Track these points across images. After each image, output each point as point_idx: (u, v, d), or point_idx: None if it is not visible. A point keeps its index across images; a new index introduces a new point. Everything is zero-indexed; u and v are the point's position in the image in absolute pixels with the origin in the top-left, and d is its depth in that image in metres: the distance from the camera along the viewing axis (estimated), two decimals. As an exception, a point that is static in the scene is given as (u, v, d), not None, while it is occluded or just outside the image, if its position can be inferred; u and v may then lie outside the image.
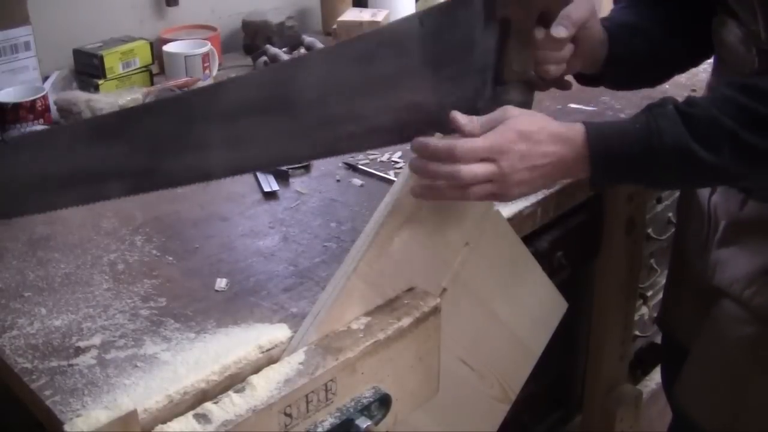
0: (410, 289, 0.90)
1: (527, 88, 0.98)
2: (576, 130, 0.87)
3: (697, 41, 1.06)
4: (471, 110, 0.90)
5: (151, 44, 1.52)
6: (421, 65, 0.89)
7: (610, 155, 0.87)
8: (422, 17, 0.88)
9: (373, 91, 0.87)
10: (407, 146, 1.28)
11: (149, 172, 0.78)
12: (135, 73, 1.49)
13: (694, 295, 1.18)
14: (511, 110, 0.87)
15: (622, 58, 1.03)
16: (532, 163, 0.85)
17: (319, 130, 0.86)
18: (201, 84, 1.49)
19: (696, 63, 1.13)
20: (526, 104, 0.99)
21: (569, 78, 1.04)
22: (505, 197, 0.89)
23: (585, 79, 1.06)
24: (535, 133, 0.85)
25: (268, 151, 0.84)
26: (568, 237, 1.28)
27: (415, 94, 0.90)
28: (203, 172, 0.81)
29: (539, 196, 1.10)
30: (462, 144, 0.83)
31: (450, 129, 0.89)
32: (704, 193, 1.13)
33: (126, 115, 0.76)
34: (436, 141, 0.85)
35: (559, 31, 0.93)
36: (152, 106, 0.77)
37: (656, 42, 1.05)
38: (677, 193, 1.64)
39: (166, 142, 0.76)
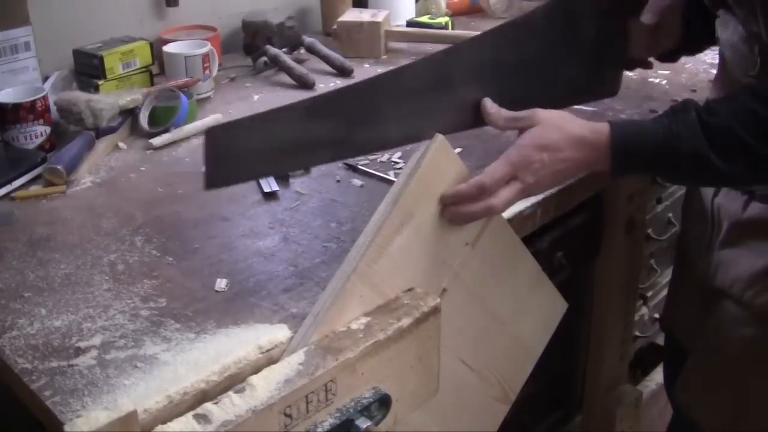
0: (410, 289, 0.90)
1: (619, 68, 1.15)
2: (601, 133, 0.92)
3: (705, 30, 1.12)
4: (573, 88, 1.10)
5: (151, 45, 1.52)
6: (552, 47, 1.04)
7: (630, 155, 0.93)
8: (544, 8, 1.03)
9: (510, 72, 1.01)
10: (408, 146, 1.29)
11: (345, 142, 0.92)
12: (135, 74, 1.49)
13: (695, 296, 1.18)
14: (537, 116, 0.93)
15: (697, 28, 1.11)
16: (554, 169, 0.92)
17: (473, 105, 0.98)
18: (201, 84, 1.50)
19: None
20: (617, 82, 1.17)
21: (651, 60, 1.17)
22: (531, 196, 1.00)
23: (663, 56, 1.17)
24: (556, 141, 0.91)
25: (432, 122, 0.95)
26: (568, 237, 1.28)
27: (545, 74, 1.04)
28: (382, 141, 0.96)
29: (539, 197, 1.10)
30: (489, 177, 0.90)
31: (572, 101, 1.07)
32: (707, 194, 1.14)
33: (332, 97, 0.91)
34: (464, 185, 0.91)
35: (648, 18, 1.07)
36: (349, 89, 0.92)
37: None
38: (677, 194, 1.64)
39: (358, 115, 0.91)
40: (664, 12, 1.08)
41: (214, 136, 0.86)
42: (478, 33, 1.02)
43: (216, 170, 0.87)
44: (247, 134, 0.87)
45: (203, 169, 0.87)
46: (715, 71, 1.15)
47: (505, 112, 0.96)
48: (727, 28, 1.02)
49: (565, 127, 0.92)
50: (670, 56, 1.17)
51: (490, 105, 0.97)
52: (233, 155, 0.87)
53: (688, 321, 1.22)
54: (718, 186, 1.11)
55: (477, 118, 0.99)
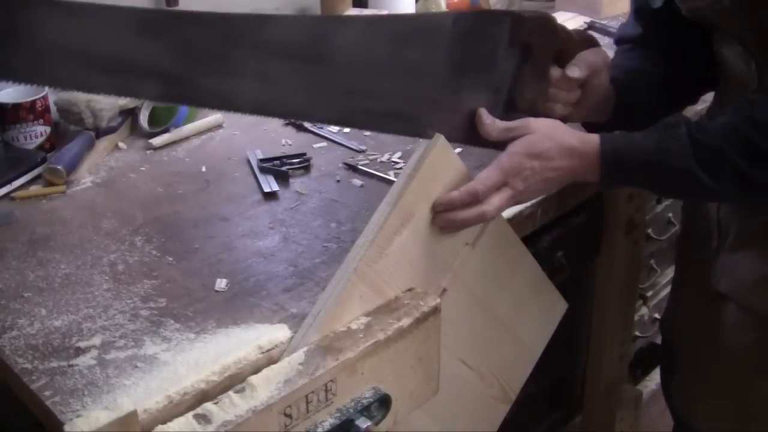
0: (410, 289, 0.90)
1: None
2: (591, 144, 0.93)
3: (703, 73, 1.09)
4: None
5: (151, 44, 1.52)
6: (447, 64, 0.92)
7: (619, 168, 0.93)
8: (456, 18, 0.91)
9: (399, 74, 0.90)
10: (407, 146, 1.28)
11: (183, 82, 0.78)
12: (135, 74, 1.49)
13: (697, 300, 1.18)
14: (530, 125, 0.93)
15: (630, 105, 1.07)
16: (544, 177, 0.92)
17: (343, 95, 0.87)
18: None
19: (704, 93, 1.15)
20: None
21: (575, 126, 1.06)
22: (521, 203, 1.00)
23: (594, 128, 1.06)
24: (547, 150, 0.92)
25: (294, 99, 0.85)
26: (568, 237, 1.28)
27: (435, 90, 0.93)
28: (230, 100, 0.81)
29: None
30: (482, 183, 0.90)
31: (456, 137, 0.95)
32: (712, 206, 1.13)
33: (174, 16, 0.77)
34: (456, 192, 0.91)
35: (573, 71, 1.00)
36: (200, 15, 0.76)
37: (662, 83, 1.08)
38: (677, 193, 1.64)
39: (204, 55, 0.77)
40: (596, 70, 1.01)
41: (6, 5, 0.68)
42: (378, 15, 0.92)
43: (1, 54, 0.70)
44: (63, 20, 0.70)
45: None
46: None
47: (499, 123, 0.95)
48: (723, 44, 1.02)
49: (556, 137, 0.93)
50: (601, 128, 1.02)
51: (485, 115, 0.96)
52: (33, 41, 0.69)
53: (688, 324, 1.22)
54: (703, 201, 1.12)
55: (352, 117, 0.90)
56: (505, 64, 0.96)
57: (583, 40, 1.04)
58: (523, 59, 0.97)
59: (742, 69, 0.99)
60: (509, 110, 0.98)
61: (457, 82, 0.94)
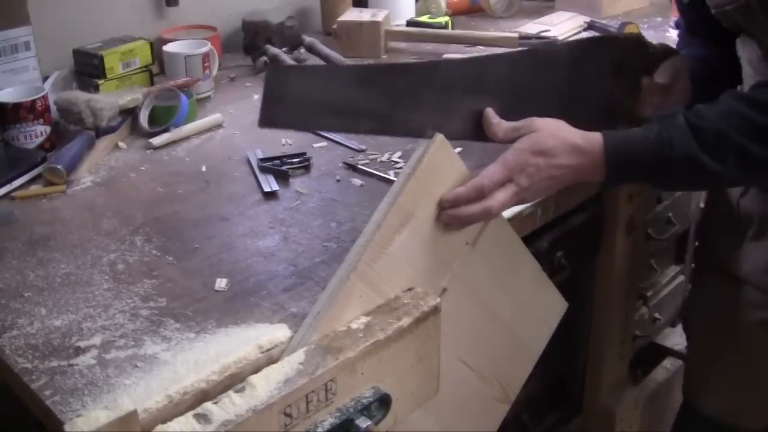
0: (410, 289, 0.90)
1: (632, 125, 1.11)
2: (594, 142, 0.94)
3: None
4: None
5: (151, 44, 1.52)
6: (566, 83, 1.07)
7: (624, 164, 0.94)
8: (571, 45, 1.10)
9: (534, 96, 1.04)
10: (407, 146, 1.29)
11: (387, 118, 0.95)
12: (135, 73, 1.49)
13: (713, 285, 1.21)
14: (535, 123, 0.95)
15: (706, 91, 1.11)
16: (549, 174, 0.93)
17: (501, 115, 0.99)
18: (201, 84, 1.50)
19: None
20: None
21: None
22: (526, 202, 1.00)
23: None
24: (551, 148, 0.93)
25: (461, 123, 0.99)
26: (568, 237, 1.28)
27: (560, 106, 1.03)
28: (418, 128, 0.95)
29: (539, 196, 1.11)
30: (487, 179, 0.92)
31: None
32: (734, 193, 1.15)
33: (383, 69, 0.97)
34: (462, 188, 0.92)
35: (661, 77, 1.11)
36: (399, 66, 0.97)
37: (725, 62, 1.13)
38: (677, 194, 1.64)
39: (402, 96, 0.95)
40: (678, 74, 1.11)
41: (275, 75, 0.91)
42: (519, 51, 1.13)
43: (271, 110, 0.91)
44: (306, 82, 0.91)
45: (260, 107, 0.91)
46: None
47: (505, 124, 0.97)
48: (746, 48, 1.05)
49: (560, 134, 0.94)
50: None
51: (492, 115, 0.98)
52: (289, 99, 0.90)
53: (703, 308, 1.25)
54: (710, 188, 1.13)
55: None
56: (607, 80, 1.10)
57: (664, 51, 1.15)
58: (619, 74, 1.11)
59: (764, 70, 1.01)
60: (610, 118, 1.09)
61: (574, 98, 1.06)
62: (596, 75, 1.10)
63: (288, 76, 0.91)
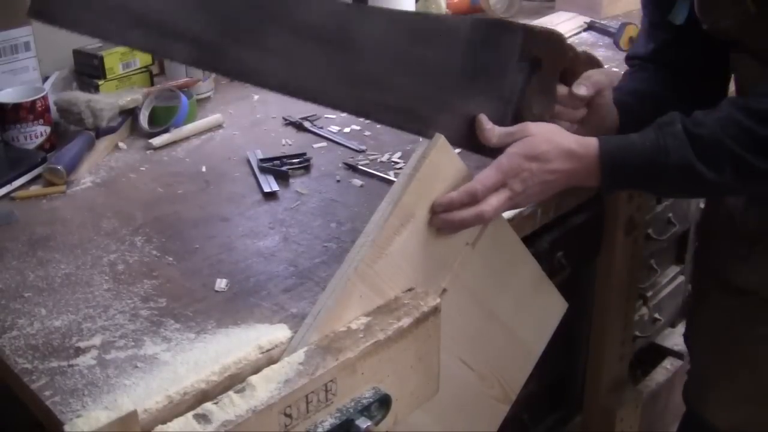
0: (410, 289, 0.90)
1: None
2: (589, 147, 0.93)
3: (711, 91, 1.09)
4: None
5: (151, 44, 1.52)
6: (460, 67, 0.94)
7: (619, 170, 0.93)
8: (473, 23, 0.94)
9: (414, 71, 0.91)
10: (407, 146, 1.29)
11: (216, 50, 0.79)
12: (135, 74, 1.49)
13: (715, 295, 1.20)
14: (529, 128, 0.94)
15: (633, 126, 1.05)
16: (543, 179, 0.92)
17: (360, 83, 0.89)
18: (201, 84, 1.50)
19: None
20: None
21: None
22: (520, 207, 1.00)
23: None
24: (545, 152, 0.92)
25: (315, 82, 0.87)
26: (568, 237, 1.28)
27: (446, 92, 0.94)
28: (256, 74, 0.82)
29: (539, 196, 1.10)
30: (480, 183, 0.91)
31: (460, 142, 0.96)
32: (739, 206, 1.13)
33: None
34: (455, 193, 0.91)
35: (580, 89, 1.02)
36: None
37: (665, 104, 1.06)
38: (677, 193, 1.64)
39: (239, 28, 0.78)
40: (599, 90, 1.03)
41: None
42: (402, 11, 0.96)
43: None
44: None
45: None
46: None
47: (498, 129, 0.96)
48: (740, 62, 1.04)
49: (554, 139, 0.93)
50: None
51: (485, 121, 0.96)
52: None
53: (706, 318, 1.24)
54: (705, 196, 1.13)
55: (367, 108, 0.92)
56: (515, 76, 0.98)
57: (587, 60, 1.06)
58: (532, 73, 0.99)
59: (760, 85, 1.00)
60: (516, 119, 0.99)
61: (468, 86, 0.96)
62: (501, 65, 0.97)
63: None
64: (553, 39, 1.00)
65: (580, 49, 1.06)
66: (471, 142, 0.98)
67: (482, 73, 0.96)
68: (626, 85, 1.12)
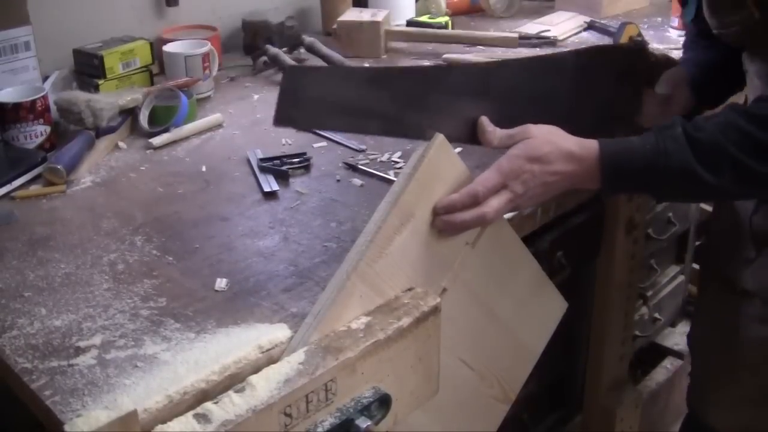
0: (410, 289, 0.90)
1: (629, 129, 1.13)
2: (589, 149, 0.94)
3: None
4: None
5: (151, 44, 1.52)
6: (569, 94, 1.08)
7: (619, 173, 0.94)
8: (577, 53, 1.10)
9: (538, 102, 1.05)
10: (407, 146, 1.29)
11: (397, 120, 0.97)
12: (135, 73, 1.49)
13: (719, 297, 1.20)
14: (529, 130, 0.95)
15: (706, 98, 1.18)
16: (543, 180, 0.93)
17: (501, 120, 1.00)
18: (201, 84, 1.50)
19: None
20: None
21: None
22: (520, 209, 1.01)
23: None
24: (546, 154, 0.93)
25: (464, 127, 1.00)
26: (568, 237, 1.28)
27: (563, 112, 1.04)
28: (425, 131, 0.95)
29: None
30: (481, 185, 0.92)
31: None
32: (746, 210, 1.13)
33: (393, 72, 1.00)
34: (456, 195, 0.92)
35: (661, 88, 1.15)
36: (408, 70, 1.01)
37: (729, 70, 1.14)
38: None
39: (412, 99, 0.96)
40: (678, 84, 1.15)
41: (291, 73, 0.93)
42: (524, 57, 1.12)
43: (286, 108, 0.92)
44: (322, 81, 0.93)
45: (275, 106, 0.92)
46: None
47: (500, 132, 0.97)
48: (754, 61, 1.05)
49: (555, 141, 0.94)
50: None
51: (486, 123, 0.98)
52: (305, 98, 0.92)
53: (709, 320, 1.24)
54: (705, 200, 1.14)
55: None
56: (608, 88, 1.12)
57: (666, 59, 1.20)
58: (622, 82, 1.13)
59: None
60: (610, 128, 1.08)
61: (576, 105, 1.08)
62: (599, 83, 1.10)
63: (306, 77, 0.93)
64: (639, 51, 1.16)
65: (657, 52, 1.22)
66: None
67: (584, 93, 1.10)
68: (691, 58, 1.20)
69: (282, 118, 0.92)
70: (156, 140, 1.32)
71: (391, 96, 0.96)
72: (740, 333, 1.14)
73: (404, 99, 0.96)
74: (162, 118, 1.39)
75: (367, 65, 0.92)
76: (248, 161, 1.25)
